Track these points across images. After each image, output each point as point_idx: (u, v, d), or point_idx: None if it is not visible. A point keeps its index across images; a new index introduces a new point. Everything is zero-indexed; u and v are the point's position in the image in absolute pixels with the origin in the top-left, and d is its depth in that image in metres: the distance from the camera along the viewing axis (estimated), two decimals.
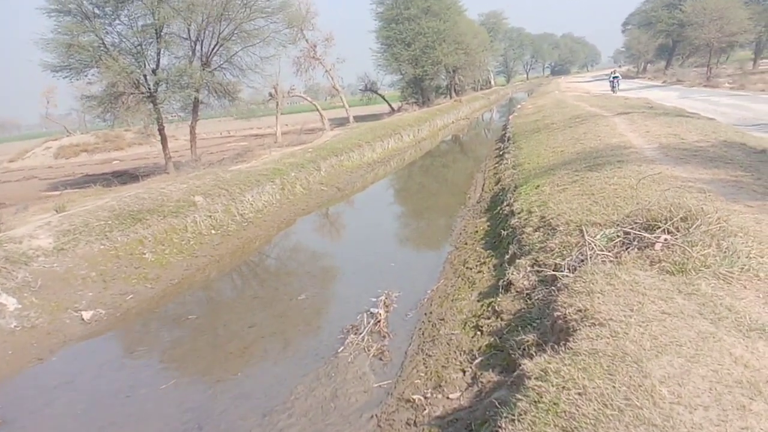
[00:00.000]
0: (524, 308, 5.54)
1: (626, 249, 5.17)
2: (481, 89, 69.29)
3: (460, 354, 5.51)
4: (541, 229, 7.14)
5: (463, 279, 7.99)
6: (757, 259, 4.54)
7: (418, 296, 7.85)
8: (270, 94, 32.44)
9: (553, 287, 5.21)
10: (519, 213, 8.58)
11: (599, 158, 10.09)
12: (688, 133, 12.19)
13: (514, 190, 10.51)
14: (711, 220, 5.09)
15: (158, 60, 20.38)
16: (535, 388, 3.30)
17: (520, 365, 3.88)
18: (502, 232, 8.66)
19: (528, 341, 4.58)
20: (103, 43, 18.51)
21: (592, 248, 5.24)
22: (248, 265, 11.25)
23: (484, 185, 14.98)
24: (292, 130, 36.36)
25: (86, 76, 19.64)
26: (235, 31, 22.04)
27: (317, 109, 36.15)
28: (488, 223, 10.45)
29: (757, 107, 19.23)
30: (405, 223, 14.15)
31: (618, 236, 5.48)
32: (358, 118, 38.17)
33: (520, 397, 3.31)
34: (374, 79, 47.22)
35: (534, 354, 4.23)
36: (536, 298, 5.47)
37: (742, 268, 4.41)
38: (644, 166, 8.78)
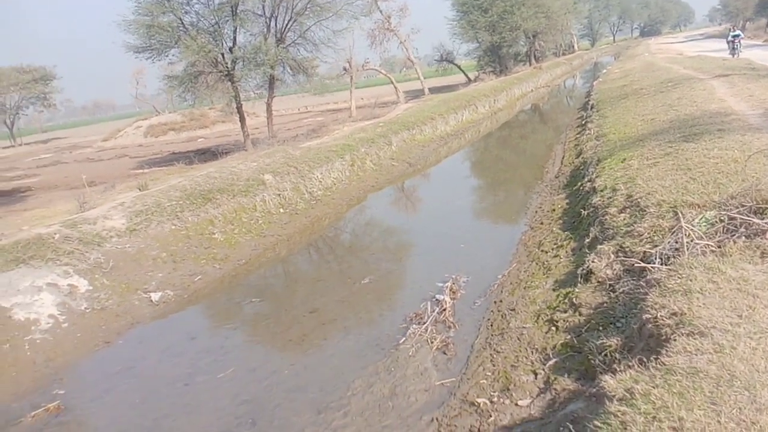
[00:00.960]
0: (606, 303, 4.88)
1: (731, 236, 4.39)
2: (563, 54, 65.75)
3: (532, 352, 4.95)
4: (628, 210, 6.35)
5: (537, 264, 7.34)
6: None
7: (488, 281, 7.29)
8: (344, 69, 32.29)
9: (641, 281, 4.53)
10: (602, 190, 7.76)
11: (696, 127, 8.98)
12: None
13: (597, 164, 9.60)
14: None
15: (234, 38, 20.58)
16: (618, 414, 2.73)
17: (600, 381, 3.31)
18: (583, 211, 7.88)
19: (610, 346, 3.97)
20: (182, 23, 18.79)
21: (690, 235, 4.49)
22: (315, 245, 11.08)
23: (563, 158, 13.98)
24: (366, 104, 36.08)
25: (167, 56, 20.11)
26: (308, 5, 21.85)
27: (392, 82, 35.64)
28: (567, 201, 9.64)
29: None
30: (477, 199, 13.46)
31: (721, 221, 4.68)
32: (434, 90, 37.31)
33: (599, 424, 2.76)
34: (450, 49, 46.00)
35: (618, 364, 3.64)
36: (621, 291, 4.80)
37: None
38: (749, 136, 7.69)
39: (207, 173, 12.45)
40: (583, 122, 17.25)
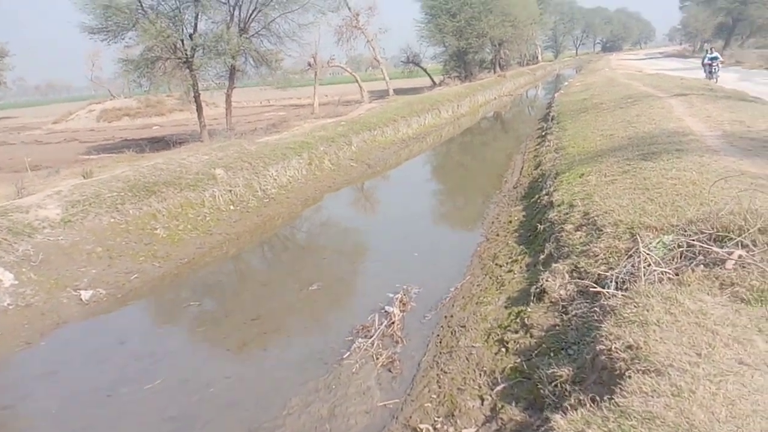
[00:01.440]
0: (558, 326, 4.68)
1: (690, 264, 4.23)
2: (528, 64, 66.69)
3: (480, 375, 4.70)
4: (584, 228, 6.20)
5: (491, 278, 7.13)
6: None
7: (439, 294, 7.04)
8: (309, 64, 31.81)
9: (595, 305, 4.34)
10: (559, 205, 7.62)
11: (655, 145, 8.97)
12: (754, 120, 10.87)
13: (555, 177, 9.50)
14: None
15: (195, 24, 19.91)
16: None
17: (549, 419, 3.07)
18: (539, 225, 7.72)
19: (561, 376, 3.74)
20: (141, 5, 17.99)
21: (647, 260, 4.32)
22: (265, 246, 10.64)
23: (522, 168, 13.93)
24: (330, 101, 35.65)
25: (123, 39, 19.25)
26: None
27: (357, 81, 35.34)
28: (524, 213, 9.50)
29: None
30: (434, 206, 13.26)
31: (679, 246, 4.54)
32: (399, 91, 37.17)
33: None
34: (417, 52, 46.01)
35: (568, 398, 3.41)
36: (574, 314, 4.60)
37: None
38: (707, 158, 7.68)
39: (154, 164, 11.82)
40: (544, 133, 17.30)
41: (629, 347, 3.30)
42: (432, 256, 8.80)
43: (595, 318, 4.11)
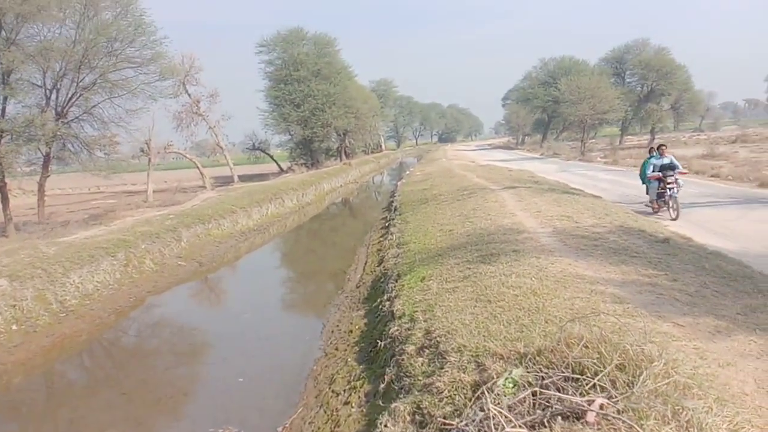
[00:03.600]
0: None
1: (544, 414, 3.50)
2: (372, 153, 69.42)
3: None
4: (427, 352, 5.38)
5: (326, 412, 6.00)
6: None
7: None
8: (141, 150, 29.74)
9: None
10: (400, 317, 6.83)
11: (492, 244, 8.72)
12: (580, 214, 11.33)
13: (397, 280, 8.82)
14: (657, 370, 3.58)
15: (3, 108, 17.42)
16: None
17: None
18: (380, 342, 6.83)
19: None
20: None
21: (496, 417, 3.50)
22: (46, 379, 8.52)
23: (366, 264, 13.28)
24: (168, 187, 33.35)
25: None
26: (98, 81, 19.59)
27: (197, 167, 33.69)
28: (365, 321, 8.63)
29: (635, 184, 19.34)
30: (268, 312, 11.65)
31: (530, 383, 3.83)
32: (245, 178, 36.07)
33: None
34: (263, 138, 45.59)
35: None
36: None
37: None
38: (543, 259, 7.48)
39: None
40: (387, 224, 17.08)
41: None
42: (260, 382, 7.47)
43: None
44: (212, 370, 8.26)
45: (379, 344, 6.79)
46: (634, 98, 53.44)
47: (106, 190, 40.87)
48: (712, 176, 19.94)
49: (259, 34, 44.50)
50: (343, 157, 50.66)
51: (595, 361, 3.70)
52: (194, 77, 34.86)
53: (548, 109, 60.05)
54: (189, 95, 35.14)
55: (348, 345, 7.95)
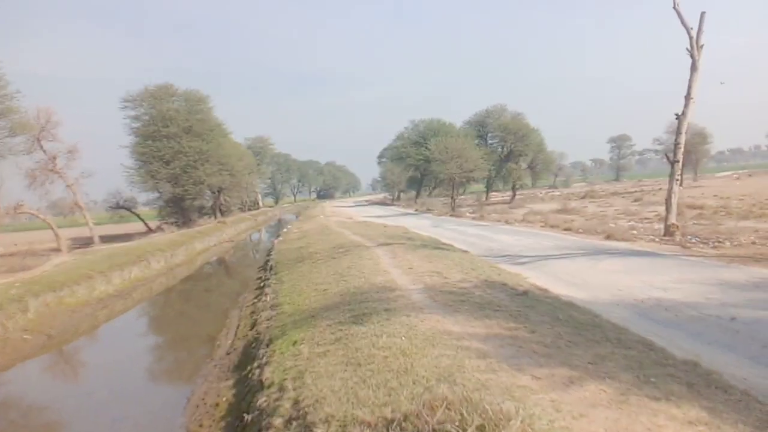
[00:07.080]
0: None
1: None
2: (249, 210, 68.01)
3: None
4: (294, 424, 5.12)
5: None
6: None
7: None
8: None
9: None
10: (269, 387, 6.51)
11: (365, 303, 8.74)
12: (449, 270, 11.76)
13: (269, 345, 8.49)
14: (516, 429, 3.68)
15: None
16: None
17: None
18: (246, 416, 6.43)
19: None
20: None
21: None
22: None
23: (238, 327, 12.67)
24: (19, 251, 29.98)
25: None
26: None
27: (51, 228, 30.82)
28: (234, 391, 8.13)
29: (499, 238, 20.68)
30: (125, 389, 10.35)
31: None
32: (107, 238, 33.47)
33: None
34: (129, 196, 42.92)
35: None
36: None
37: None
38: (413, 317, 7.59)
39: None
40: (262, 284, 16.58)
41: None
42: None
43: None
44: None
45: (245, 418, 6.40)
46: (496, 158, 57.85)
47: None
48: (565, 230, 21.71)
49: (125, 89, 42.21)
50: (218, 215, 49.02)
51: (456, 425, 3.73)
52: (51, 132, 32.35)
53: (420, 167, 62.93)
54: (44, 151, 32.50)
55: (214, 420, 7.41)
